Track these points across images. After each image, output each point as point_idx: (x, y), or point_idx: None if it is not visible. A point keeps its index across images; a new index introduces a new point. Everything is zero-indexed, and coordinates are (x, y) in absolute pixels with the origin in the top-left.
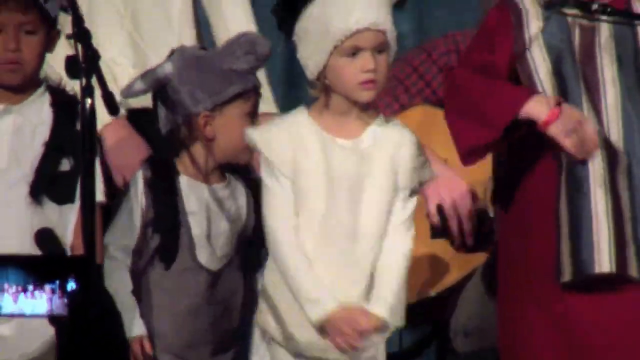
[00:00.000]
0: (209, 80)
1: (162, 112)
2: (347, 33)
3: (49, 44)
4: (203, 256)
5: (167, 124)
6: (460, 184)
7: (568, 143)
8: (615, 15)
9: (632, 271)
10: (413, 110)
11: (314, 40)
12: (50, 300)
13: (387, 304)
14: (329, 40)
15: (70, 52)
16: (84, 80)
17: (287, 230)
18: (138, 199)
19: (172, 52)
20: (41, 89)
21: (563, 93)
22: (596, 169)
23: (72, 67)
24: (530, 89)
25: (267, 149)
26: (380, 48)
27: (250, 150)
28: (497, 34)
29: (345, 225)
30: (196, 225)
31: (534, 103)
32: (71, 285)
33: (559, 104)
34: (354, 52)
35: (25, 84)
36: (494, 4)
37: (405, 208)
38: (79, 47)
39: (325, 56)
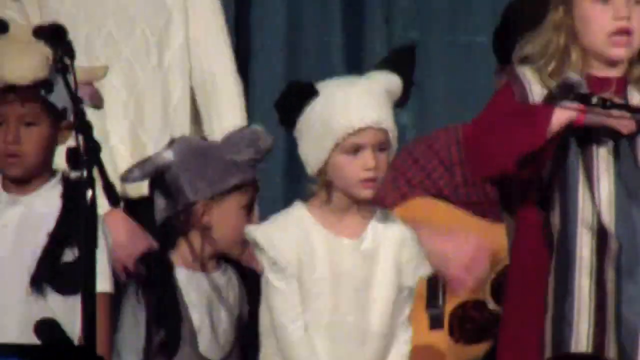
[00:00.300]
0: (209, 170)
1: (159, 199)
2: (349, 130)
3: (55, 135)
4: (205, 347)
5: (164, 212)
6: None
7: (610, 122)
8: (613, 109)
9: (610, 353)
10: (413, 201)
11: (316, 136)
12: None
13: None
14: (330, 136)
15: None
16: (85, 172)
17: (300, 330)
18: (138, 297)
19: (172, 141)
20: (54, 181)
21: (563, 164)
22: (584, 253)
23: (74, 158)
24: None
25: (271, 249)
26: (381, 146)
27: (243, 244)
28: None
29: (353, 324)
30: (197, 316)
31: (559, 111)
32: None
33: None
34: (355, 149)
35: (30, 176)
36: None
37: (406, 307)
38: (80, 138)
39: (327, 152)
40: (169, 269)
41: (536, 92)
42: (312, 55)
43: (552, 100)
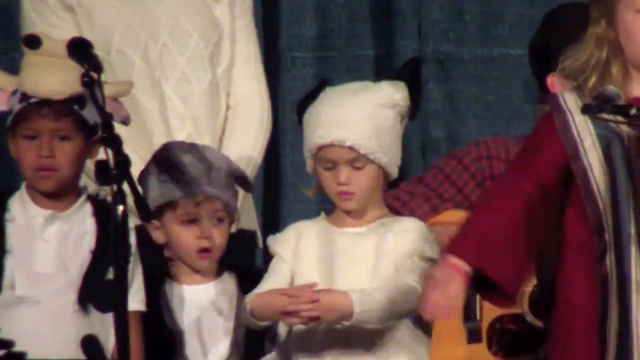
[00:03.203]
0: (150, 189)
1: None
2: (314, 147)
3: (88, 150)
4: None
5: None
6: None
7: None
8: None
9: None
10: (444, 214)
11: (305, 141)
12: None
13: (360, 292)
14: (308, 148)
15: None
16: (115, 187)
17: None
18: None
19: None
20: (82, 199)
21: (613, 186)
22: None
23: (103, 172)
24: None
25: (273, 243)
26: (354, 163)
27: (199, 258)
28: (543, 138)
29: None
30: (190, 329)
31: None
32: None
33: None
34: (330, 166)
35: (63, 191)
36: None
37: (413, 268)
38: (110, 152)
39: (310, 162)
40: (157, 280)
41: (578, 120)
42: (343, 70)
43: (589, 111)
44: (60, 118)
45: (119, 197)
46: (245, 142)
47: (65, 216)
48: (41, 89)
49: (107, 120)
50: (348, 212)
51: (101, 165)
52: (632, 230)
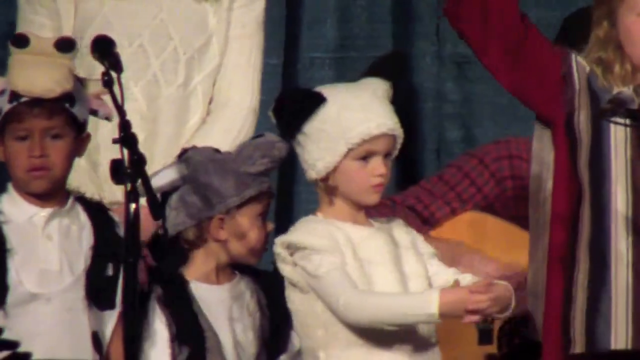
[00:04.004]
0: (224, 184)
1: (172, 214)
2: (366, 137)
3: (77, 148)
4: (235, 357)
5: (178, 226)
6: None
7: None
8: None
9: None
10: (463, 216)
11: (327, 142)
12: None
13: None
14: (344, 142)
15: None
16: (129, 185)
17: (352, 288)
18: (157, 317)
19: (184, 152)
20: (71, 199)
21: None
22: (620, 246)
23: (117, 171)
24: None
25: (308, 241)
26: (389, 153)
27: (259, 253)
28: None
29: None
30: (221, 327)
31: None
32: None
33: None
34: (366, 156)
35: (57, 190)
36: None
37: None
38: (125, 151)
39: (338, 158)
40: (183, 284)
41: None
42: (359, 70)
43: (603, 115)
44: (53, 117)
45: (133, 195)
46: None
47: (64, 212)
48: (34, 87)
49: (124, 119)
50: (366, 207)
51: (116, 164)
52: (614, 207)
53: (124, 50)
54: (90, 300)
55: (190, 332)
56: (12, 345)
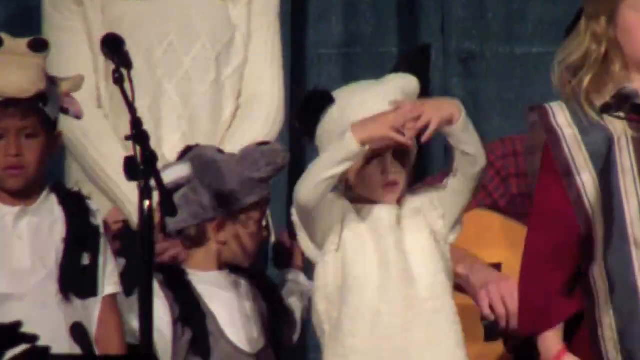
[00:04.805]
0: (229, 187)
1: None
2: None
3: (50, 147)
4: (240, 339)
5: (180, 224)
6: (509, 283)
7: None
8: None
9: None
10: (467, 215)
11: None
12: None
13: None
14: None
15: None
16: (142, 182)
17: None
18: (159, 300)
19: (188, 150)
20: (46, 191)
21: (609, 203)
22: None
23: (131, 168)
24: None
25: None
26: (397, 150)
27: (253, 257)
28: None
29: (401, 269)
30: (223, 310)
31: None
32: None
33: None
34: (373, 155)
35: (31, 187)
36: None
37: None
38: (137, 148)
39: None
40: (182, 272)
41: (568, 135)
42: (367, 67)
43: (607, 110)
44: (27, 116)
45: (146, 192)
46: (245, 142)
47: (33, 209)
48: (8, 88)
49: (135, 116)
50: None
51: (129, 161)
52: (630, 231)
53: (154, 50)
54: (67, 292)
55: (193, 315)
56: (31, 339)
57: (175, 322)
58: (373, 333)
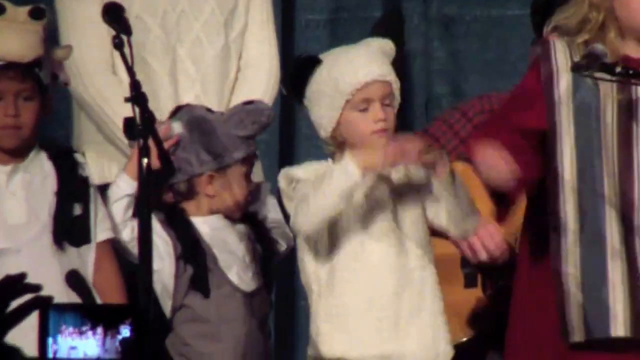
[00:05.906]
0: (216, 144)
1: None
2: (358, 86)
3: (43, 109)
4: (238, 278)
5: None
6: (487, 224)
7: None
8: (636, 78)
9: None
10: None
11: (327, 99)
12: (103, 345)
13: None
14: (340, 95)
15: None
16: (141, 141)
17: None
18: (161, 237)
19: (177, 109)
20: (36, 148)
21: (584, 149)
22: (613, 232)
23: (130, 128)
24: None
25: (307, 174)
26: (387, 99)
27: (242, 209)
28: (529, 97)
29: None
30: (220, 249)
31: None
32: (125, 332)
33: None
34: (365, 107)
35: (25, 147)
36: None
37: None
38: (137, 109)
39: (338, 112)
40: (182, 211)
41: (561, 65)
42: (352, 31)
43: (577, 69)
44: (25, 80)
45: (145, 150)
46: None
47: (24, 166)
48: (9, 53)
49: (134, 79)
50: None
51: (129, 122)
52: (606, 191)
53: (168, 16)
54: (62, 242)
55: (194, 252)
56: (34, 288)
57: (177, 259)
58: (365, 296)
